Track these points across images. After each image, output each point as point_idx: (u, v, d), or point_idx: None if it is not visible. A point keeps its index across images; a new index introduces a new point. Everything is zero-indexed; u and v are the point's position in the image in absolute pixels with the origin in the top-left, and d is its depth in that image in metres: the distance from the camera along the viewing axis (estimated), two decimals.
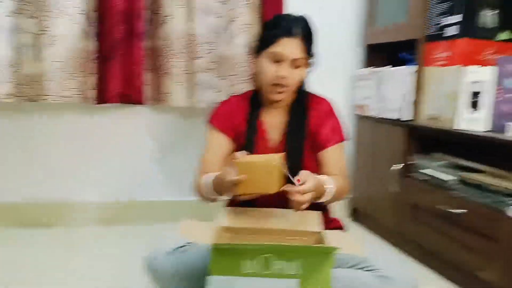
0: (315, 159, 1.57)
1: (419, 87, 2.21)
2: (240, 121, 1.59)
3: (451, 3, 2.05)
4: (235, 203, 1.50)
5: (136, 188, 2.54)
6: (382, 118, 2.42)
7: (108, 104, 2.34)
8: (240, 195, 1.32)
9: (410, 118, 2.24)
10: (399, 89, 2.29)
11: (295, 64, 1.47)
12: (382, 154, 2.43)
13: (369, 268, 1.37)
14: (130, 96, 2.34)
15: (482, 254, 1.77)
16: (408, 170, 2.25)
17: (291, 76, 1.47)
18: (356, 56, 2.73)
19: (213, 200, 1.51)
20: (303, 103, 1.57)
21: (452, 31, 2.03)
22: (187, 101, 2.41)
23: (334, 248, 1.20)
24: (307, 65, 1.52)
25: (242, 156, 1.31)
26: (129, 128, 2.51)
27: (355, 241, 1.37)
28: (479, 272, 1.78)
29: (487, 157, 1.97)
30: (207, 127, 1.63)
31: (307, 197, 1.27)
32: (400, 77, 2.29)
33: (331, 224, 1.61)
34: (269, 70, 1.48)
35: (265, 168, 1.28)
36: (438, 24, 2.11)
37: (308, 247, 1.24)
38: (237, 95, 1.66)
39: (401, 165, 2.26)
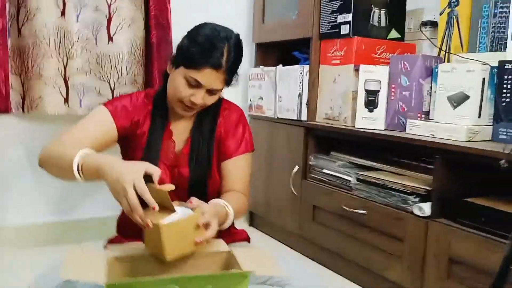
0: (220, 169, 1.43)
1: (313, 86, 2.17)
2: (142, 118, 1.39)
3: (341, 2, 2.03)
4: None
5: (8, 213, 2.18)
6: (279, 118, 2.34)
7: None
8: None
9: (306, 118, 2.20)
10: (294, 89, 2.23)
11: (212, 92, 1.32)
12: (280, 156, 2.36)
13: (280, 284, 1.28)
14: None
15: (388, 253, 1.77)
16: (307, 171, 2.20)
17: (205, 101, 1.34)
18: (247, 54, 2.62)
19: (65, 178, 1.21)
20: (212, 110, 1.42)
21: (345, 29, 2.01)
22: (62, 107, 2.11)
23: (249, 272, 1.09)
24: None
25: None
26: None
27: (269, 259, 1.25)
28: (385, 272, 1.77)
29: (385, 156, 1.99)
30: (96, 108, 1.39)
31: (213, 233, 1.15)
32: (294, 76, 2.23)
33: (236, 236, 1.49)
34: (183, 91, 1.31)
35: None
36: (331, 22, 2.08)
37: (220, 274, 1.11)
38: (139, 92, 1.46)
39: (299, 167, 2.20)
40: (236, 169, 1.43)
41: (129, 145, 1.40)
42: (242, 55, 1.35)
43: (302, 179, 2.21)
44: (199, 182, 1.38)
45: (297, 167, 2.22)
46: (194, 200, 1.20)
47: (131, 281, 1.04)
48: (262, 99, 2.47)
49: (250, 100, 2.55)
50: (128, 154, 1.41)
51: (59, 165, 1.20)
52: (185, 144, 1.41)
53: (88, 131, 1.32)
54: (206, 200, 1.32)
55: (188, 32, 1.35)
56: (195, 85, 1.30)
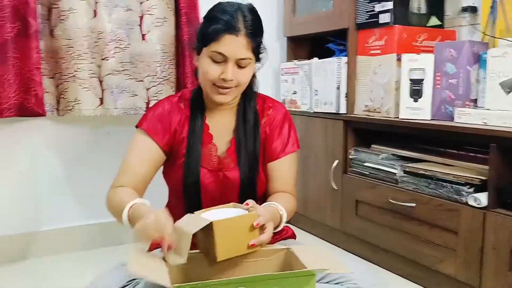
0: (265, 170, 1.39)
1: (352, 78, 2.12)
2: (179, 125, 1.35)
3: None
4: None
5: (42, 216, 2.16)
6: (315, 112, 2.29)
7: None
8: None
9: (345, 111, 2.15)
10: (332, 82, 2.17)
11: (240, 63, 1.25)
12: (317, 150, 2.31)
13: (339, 281, 1.24)
14: (29, 107, 1.96)
15: (441, 246, 1.71)
16: (347, 165, 2.15)
17: (236, 77, 1.25)
18: (279, 49, 2.58)
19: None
20: (254, 107, 1.37)
21: (385, 18, 1.95)
22: (97, 109, 2.08)
23: (319, 270, 1.06)
24: (255, 61, 1.31)
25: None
26: (28, 146, 2.10)
27: (329, 256, 1.21)
28: (438, 266, 1.71)
29: (430, 146, 1.93)
30: (135, 135, 1.36)
31: (268, 237, 1.13)
32: (331, 68, 2.18)
33: (283, 233, 1.45)
34: (211, 70, 1.25)
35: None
36: (369, 11, 2.02)
37: (288, 273, 1.06)
38: (172, 96, 1.40)
39: (339, 161, 2.15)
40: (283, 170, 1.38)
41: (172, 155, 1.36)
42: (260, 21, 1.29)
43: (342, 173, 2.16)
44: (249, 183, 1.34)
45: (336, 161, 2.17)
46: (251, 203, 1.16)
47: (199, 284, 1.01)
48: (295, 93, 2.42)
49: (283, 95, 2.50)
50: (170, 162, 1.37)
51: (115, 213, 1.26)
52: (229, 146, 1.36)
53: (135, 164, 1.31)
54: (257, 202, 1.28)
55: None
56: (221, 59, 1.24)
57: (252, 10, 1.29)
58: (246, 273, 1.13)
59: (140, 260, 1.08)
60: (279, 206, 1.25)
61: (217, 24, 1.23)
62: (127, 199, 1.20)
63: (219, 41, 1.22)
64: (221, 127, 1.36)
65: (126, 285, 1.18)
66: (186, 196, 1.31)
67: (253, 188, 1.33)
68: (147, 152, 1.32)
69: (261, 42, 1.30)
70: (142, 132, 1.33)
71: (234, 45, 1.22)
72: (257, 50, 1.28)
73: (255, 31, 1.26)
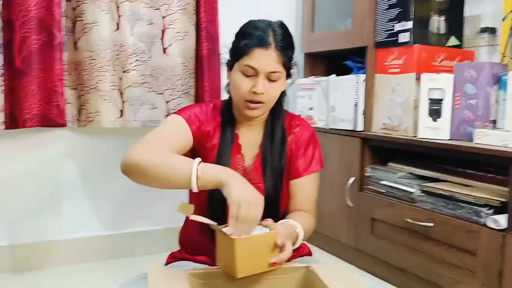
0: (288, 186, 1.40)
1: (370, 95, 2.13)
2: (212, 130, 1.36)
3: (400, 9, 1.99)
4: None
5: (62, 225, 2.18)
6: (332, 129, 2.30)
7: (20, 129, 1.97)
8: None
9: (362, 128, 2.15)
10: (349, 99, 2.19)
11: (271, 77, 1.27)
12: (332, 167, 2.31)
13: None
14: (51, 118, 1.99)
15: (459, 268, 1.70)
16: (363, 182, 2.15)
17: (267, 90, 1.28)
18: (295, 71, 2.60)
19: (164, 186, 1.20)
20: (282, 125, 1.38)
21: (404, 37, 1.97)
22: (117, 120, 2.11)
23: None
24: (286, 77, 1.34)
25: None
26: (48, 156, 2.13)
27: (349, 274, 1.21)
28: (456, 287, 1.70)
29: (447, 166, 1.93)
30: (170, 117, 1.37)
31: (288, 255, 1.14)
32: (349, 86, 2.19)
33: (300, 250, 1.45)
34: (242, 84, 1.28)
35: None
36: (388, 30, 2.04)
37: None
38: (206, 103, 1.43)
39: (355, 178, 2.16)
40: (305, 188, 1.39)
41: (195, 153, 1.36)
42: (290, 36, 1.31)
43: (358, 190, 2.16)
44: (273, 199, 1.35)
45: (352, 178, 2.17)
46: (270, 221, 1.17)
47: None
48: (312, 109, 2.43)
49: (300, 111, 2.52)
50: None
51: (162, 174, 1.17)
52: (255, 160, 1.37)
53: (167, 139, 1.29)
54: (277, 218, 1.29)
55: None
56: (251, 73, 1.26)
57: (283, 25, 1.32)
58: None
59: (161, 277, 1.09)
60: (296, 224, 1.26)
61: (248, 39, 1.26)
62: (186, 161, 1.16)
63: (250, 55, 1.25)
64: (248, 141, 1.37)
65: None
66: (210, 205, 1.32)
67: (276, 204, 1.34)
68: (182, 133, 1.31)
69: (292, 57, 1.32)
70: (179, 118, 1.33)
71: (264, 58, 1.25)
72: (287, 65, 1.30)
73: (285, 45, 1.28)
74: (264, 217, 1.28)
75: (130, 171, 1.21)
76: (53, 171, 2.15)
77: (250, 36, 1.26)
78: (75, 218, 2.20)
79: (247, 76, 1.27)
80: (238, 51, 1.27)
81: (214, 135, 1.36)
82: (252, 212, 1.07)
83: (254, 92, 1.26)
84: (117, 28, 2.09)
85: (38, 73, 1.95)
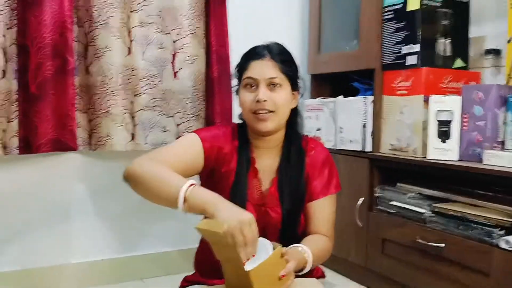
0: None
1: (378, 117, 2.16)
2: (229, 153, 1.38)
3: (407, 32, 2.03)
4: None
5: (73, 249, 2.19)
6: (340, 150, 2.33)
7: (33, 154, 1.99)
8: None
9: (370, 149, 2.18)
10: (357, 120, 2.21)
11: (272, 84, 1.32)
12: (342, 188, 2.31)
13: None
14: (64, 142, 2.01)
15: None
16: (373, 203, 2.17)
17: (271, 98, 1.32)
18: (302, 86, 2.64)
19: (155, 201, 1.21)
20: (299, 148, 1.40)
21: (412, 60, 2.00)
22: (128, 144, 2.13)
23: None
24: (291, 87, 1.37)
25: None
26: (59, 179, 2.15)
27: None
28: None
29: (457, 187, 1.95)
30: (185, 134, 1.42)
31: (293, 264, 1.18)
32: (357, 107, 2.22)
33: (313, 273, 1.46)
34: (246, 97, 1.35)
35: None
36: (395, 53, 2.08)
37: None
38: (225, 126, 1.45)
39: (364, 199, 2.17)
40: (322, 211, 1.41)
41: (214, 184, 1.38)
42: (286, 49, 1.40)
43: (368, 211, 2.17)
44: (291, 223, 1.36)
45: (362, 198, 2.19)
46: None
47: None
48: (320, 130, 2.46)
49: (307, 132, 2.54)
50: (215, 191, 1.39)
51: (155, 188, 1.19)
52: (272, 184, 1.39)
53: (178, 156, 1.32)
54: (295, 242, 1.31)
55: None
56: (253, 84, 1.33)
57: (279, 43, 1.41)
58: None
59: None
60: (305, 249, 1.27)
61: (245, 57, 1.38)
62: (178, 181, 1.17)
63: (248, 69, 1.35)
64: (265, 165, 1.40)
65: None
66: None
67: (294, 228, 1.36)
68: (192, 152, 1.34)
69: (291, 67, 1.37)
70: (193, 136, 1.36)
71: (260, 67, 1.33)
72: (287, 72, 1.35)
73: (280, 55, 1.36)
74: (282, 241, 1.30)
75: (129, 179, 1.24)
76: (63, 194, 2.16)
77: (247, 54, 1.38)
78: (85, 241, 2.21)
79: (250, 89, 1.34)
80: (239, 70, 1.38)
81: (232, 159, 1.38)
82: (248, 235, 1.07)
83: (258, 101, 1.31)
84: (129, 53, 2.12)
85: (52, 98, 1.97)
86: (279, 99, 1.32)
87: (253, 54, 1.36)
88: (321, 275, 1.51)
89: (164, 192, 1.17)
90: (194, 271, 1.49)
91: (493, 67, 2.11)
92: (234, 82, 1.44)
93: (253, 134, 1.40)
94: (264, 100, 1.30)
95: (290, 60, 1.39)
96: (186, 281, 1.47)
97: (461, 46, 2.11)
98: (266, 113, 1.32)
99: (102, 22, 2.05)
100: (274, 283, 1.13)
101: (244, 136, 1.41)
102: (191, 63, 2.21)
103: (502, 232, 1.63)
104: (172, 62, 2.19)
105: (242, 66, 1.37)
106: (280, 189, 1.37)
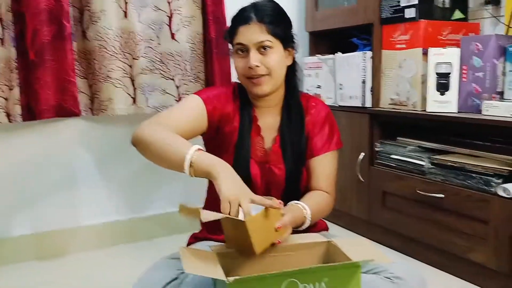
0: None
1: (377, 72, 2.16)
2: (232, 112, 1.40)
3: None
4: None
5: (82, 213, 2.23)
6: (340, 106, 2.34)
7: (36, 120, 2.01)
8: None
9: (370, 104, 2.19)
10: (357, 76, 2.22)
11: (262, 47, 1.32)
12: (343, 143, 2.35)
13: (376, 270, 1.28)
14: (66, 108, 2.02)
15: (471, 236, 1.76)
16: (373, 157, 2.20)
17: (263, 63, 1.32)
18: (300, 44, 2.62)
19: (163, 165, 1.22)
20: (299, 105, 1.42)
21: (410, 13, 1.99)
22: (130, 107, 2.15)
23: (363, 262, 1.11)
24: (283, 46, 1.35)
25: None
26: (64, 145, 2.17)
27: (369, 247, 1.27)
28: (469, 255, 1.77)
29: (456, 139, 1.97)
30: (188, 96, 1.41)
31: (289, 217, 1.20)
32: (356, 63, 2.22)
33: (317, 226, 1.50)
34: (239, 63, 1.35)
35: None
36: (393, 6, 2.06)
37: (336, 265, 1.12)
38: (227, 86, 1.46)
39: (365, 154, 2.20)
40: (322, 167, 1.43)
41: (219, 144, 1.40)
42: (276, 7, 1.37)
43: (369, 165, 2.21)
44: (294, 179, 1.39)
45: (362, 154, 2.22)
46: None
47: (253, 276, 1.06)
48: (320, 87, 2.47)
49: (307, 90, 2.55)
50: (217, 154, 1.36)
51: (162, 153, 1.20)
52: (274, 142, 1.41)
53: (178, 118, 1.33)
54: (298, 198, 1.34)
55: None
56: (243, 49, 1.33)
57: (269, 0, 1.38)
58: (291, 265, 1.18)
59: (193, 257, 1.13)
60: (304, 205, 1.30)
61: (233, 22, 1.36)
62: (184, 145, 1.18)
63: (237, 35, 1.34)
64: (267, 123, 1.41)
65: (175, 278, 1.23)
66: None
67: (297, 184, 1.39)
68: (196, 113, 1.35)
69: (281, 26, 1.35)
70: (196, 98, 1.37)
71: (247, 32, 1.32)
72: (276, 33, 1.33)
73: (268, 16, 1.33)
74: (286, 197, 1.34)
75: (137, 143, 1.26)
76: (69, 160, 2.19)
77: (235, 19, 1.36)
78: (93, 204, 2.25)
79: (242, 55, 1.34)
80: (229, 36, 1.37)
81: (234, 118, 1.40)
82: (244, 206, 1.09)
83: (250, 67, 1.31)
84: (125, 16, 2.10)
85: (51, 64, 1.97)
86: (271, 62, 1.32)
87: (240, 19, 1.34)
88: (325, 228, 1.55)
89: (171, 157, 1.19)
90: (201, 228, 1.53)
91: (492, 17, 2.10)
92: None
93: (251, 94, 1.41)
94: (256, 66, 1.31)
95: (280, 18, 1.37)
96: (194, 237, 1.51)
97: None
98: (260, 77, 1.33)
99: None
100: (270, 235, 1.15)
101: (245, 95, 1.42)
102: (188, 24, 2.20)
103: (500, 181, 1.66)
104: (169, 24, 2.18)
105: (232, 31, 1.36)
106: (282, 147, 1.40)
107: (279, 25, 1.34)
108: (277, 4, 1.39)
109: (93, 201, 2.25)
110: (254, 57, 1.31)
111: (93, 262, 2.11)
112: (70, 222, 2.20)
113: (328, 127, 1.44)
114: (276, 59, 1.33)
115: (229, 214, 1.08)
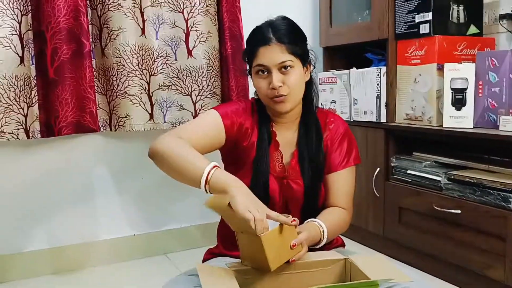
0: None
1: (392, 87, 2.17)
2: (250, 127, 1.41)
3: (418, 1, 2.02)
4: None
5: (99, 227, 2.26)
6: (355, 121, 2.35)
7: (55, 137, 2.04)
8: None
9: (385, 119, 2.20)
10: (371, 91, 2.23)
11: (283, 68, 1.33)
12: None
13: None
14: (85, 124, 2.06)
15: (488, 252, 1.75)
16: (389, 173, 2.20)
17: (285, 82, 1.33)
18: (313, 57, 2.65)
19: (179, 179, 1.24)
20: (316, 121, 1.43)
21: (425, 29, 2.00)
22: (147, 123, 2.17)
23: (384, 280, 1.11)
24: (302, 64, 1.37)
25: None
26: (82, 161, 2.21)
27: (388, 265, 1.26)
28: (486, 271, 1.75)
29: (472, 154, 1.96)
30: (206, 111, 1.43)
31: (305, 236, 1.21)
32: (371, 78, 2.23)
33: (333, 242, 1.50)
34: (261, 84, 1.36)
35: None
36: (408, 22, 2.07)
37: (352, 284, 1.12)
38: (246, 101, 1.48)
39: (380, 168, 2.20)
40: (340, 183, 1.43)
41: (236, 158, 1.41)
42: (293, 25, 1.38)
43: (384, 180, 2.20)
44: (312, 195, 1.40)
45: (378, 168, 2.21)
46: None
47: None
48: (334, 102, 2.48)
49: (321, 105, 2.56)
50: (235, 168, 1.40)
51: (179, 168, 1.22)
52: (293, 157, 1.42)
53: (200, 133, 1.34)
54: (316, 214, 1.35)
55: None
56: (264, 71, 1.34)
57: (284, 18, 1.40)
58: (307, 284, 1.19)
59: (211, 274, 1.15)
60: (320, 223, 1.30)
61: (252, 43, 1.37)
62: (202, 161, 1.20)
63: (257, 56, 1.34)
64: (285, 138, 1.42)
65: None
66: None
67: (315, 199, 1.39)
68: (213, 128, 1.36)
69: (299, 44, 1.36)
70: (214, 113, 1.38)
71: (268, 54, 1.33)
72: (296, 52, 1.34)
73: (287, 35, 1.34)
74: (304, 213, 1.35)
75: (154, 156, 1.28)
76: (87, 175, 2.22)
77: (253, 40, 1.37)
78: (110, 219, 2.28)
79: (263, 76, 1.35)
80: (248, 57, 1.38)
81: (253, 133, 1.41)
82: (262, 211, 1.12)
83: (273, 88, 1.32)
84: (143, 33, 2.14)
85: (70, 82, 2.01)
86: (293, 81, 1.34)
87: (259, 39, 1.34)
88: (341, 244, 1.55)
89: (187, 172, 1.21)
90: (217, 244, 1.54)
91: (507, 32, 2.10)
92: None
93: (270, 110, 1.42)
94: (280, 86, 1.32)
95: (297, 36, 1.38)
96: (210, 253, 1.52)
97: (474, 12, 2.09)
98: (282, 96, 1.34)
99: (114, 4, 2.07)
100: (285, 252, 1.16)
101: (263, 111, 1.44)
102: (205, 41, 2.23)
103: None
104: (186, 41, 2.22)
105: (251, 53, 1.36)
106: (300, 162, 1.40)
107: (298, 43, 1.36)
108: (292, 22, 1.40)
109: (110, 215, 2.28)
110: (277, 78, 1.32)
111: (110, 276, 2.12)
112: (87, 237, 2.23)
113: (346, 142, 1.45)
114: (297, 78, 1.35)
115: (254, 220, 1.08)
